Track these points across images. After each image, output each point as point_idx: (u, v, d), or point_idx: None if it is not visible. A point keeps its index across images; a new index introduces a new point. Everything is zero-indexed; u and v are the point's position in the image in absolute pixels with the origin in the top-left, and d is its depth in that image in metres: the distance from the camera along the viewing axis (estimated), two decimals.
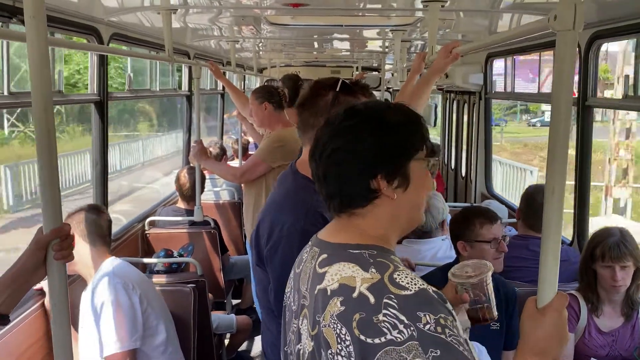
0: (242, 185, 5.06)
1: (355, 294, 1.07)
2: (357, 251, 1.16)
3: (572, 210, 3.27)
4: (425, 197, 1.26)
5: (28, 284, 1.35)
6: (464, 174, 6.15)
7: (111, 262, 2.49)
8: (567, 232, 3.41)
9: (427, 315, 1.02)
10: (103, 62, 3.17)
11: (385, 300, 1.04)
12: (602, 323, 2.47)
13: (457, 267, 1.61)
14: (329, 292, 1.12)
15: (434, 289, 1.09)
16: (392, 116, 1.20)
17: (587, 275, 2.47)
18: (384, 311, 1.03)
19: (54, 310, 1.32)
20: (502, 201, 4.99)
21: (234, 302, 5.05)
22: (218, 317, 3.70)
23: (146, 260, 3.53)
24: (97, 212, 2.56)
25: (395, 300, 1.04)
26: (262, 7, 3.18)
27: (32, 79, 1.21)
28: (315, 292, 1.16)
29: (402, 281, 1.07)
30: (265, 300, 1.77)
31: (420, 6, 2.79)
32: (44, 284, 2.49)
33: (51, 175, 1.25)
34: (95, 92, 3.19)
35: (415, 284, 1.07)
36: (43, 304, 2.58)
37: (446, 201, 5.36)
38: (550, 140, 1.17)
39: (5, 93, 2.31)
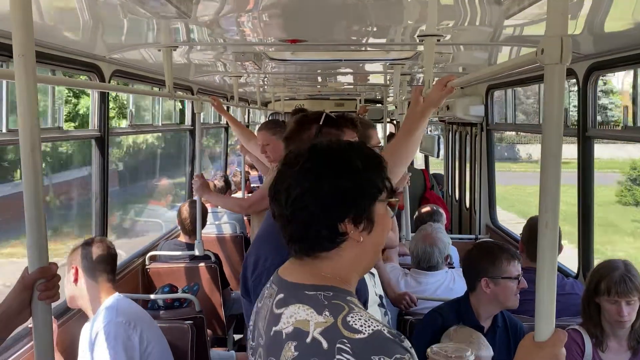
0: (247, 217, 5.06)
1: (308, 339, 1.06)
2: (312, 292, 1.14)
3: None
4: (385, 238, 1.25)
5: (12, 325, 1.32)
6: (467, 206, 6.11)
7: (115, 299, 2.46)
8: (573, 265, 3.35)
9: (381, 359, 1.01)
10: (104, 98, 3.21)
11: (338, 345, 1.03)
12: (608, 358, 2.39)
13: (438, 346, 1.62)
14: (283, 336, 1.11)
15: (389, 329, 1.07)
16: (355, 158, 1.18)
17: (590, 308, 2.41)
18: (338, 356, 1.02)
19: (38, 351, 1.29)
20: (507, 233, 4.94)
21: (236, 337, 4.97)
22: (218, 354, 3.63)
23: (148, 296, 3.47)
24: (99, 246, 2.52)
25: (348, 345, 1.02)
26: (261, 44, 3.22)
27: (20, 118, 1.21)
28: (271, 333, 1.14)
29: (356, 324, 1.05)
30: None
31: (417, 41, 2.82)
32: None
33: (37, 215, 1.24)
34: (96, 127, 3.22)
35: (369, 326, 1.05)
36: None
37: (451, 233, 5.33)
38: (542, 173, 1.15)
39: (4, 130, 2.33)
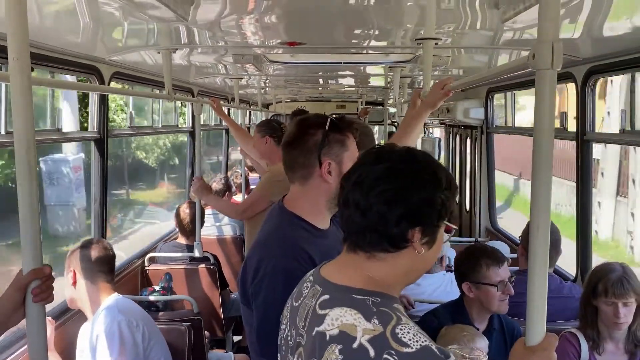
0: (244, 221, 5.06)
1: (355, 345, 1.05)
2: (360, 297, 1.13)
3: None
4: (435, 260, 1.26)
5: (4, 327, 1.33)
6: (468, 209, 6.10)
7: (114, 299, 2.47)
8: (572, 269, 3.35)
9: None
10: (104, 100, 3.22)
11: (385, 356, 1.03)
12: None
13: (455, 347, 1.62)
14: (327, 338, 1.10)
15: (437, 345, 1.07)
16: (444, 175, 1.20)
17: (587, 311, 2.41)
18: None
19: (32, 353, 1.29)
20: (506, 236, 4.94)
21: (235, 338, 4.96)
22: (216, 355, 3.63)
23: (147, 298, 3.47)
24: (98, 248, 2.53)
25: (395, 357, 1.02)
26: (261, 46, 3.23)
27: (15, 119, 1.22)
28: (313, 333, 1.14)
29: (404, 337, 1.05)
30: (251, 338, 1.73)
31: (416, 44, 2.82)
32: None
33: (31, 216, 1.24)
34: (96, 129, 3.23)
35: (417, 341, 1.05)
36: None
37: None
38: (533, 177, 1.16)
39: (2, 132, 2.34)
